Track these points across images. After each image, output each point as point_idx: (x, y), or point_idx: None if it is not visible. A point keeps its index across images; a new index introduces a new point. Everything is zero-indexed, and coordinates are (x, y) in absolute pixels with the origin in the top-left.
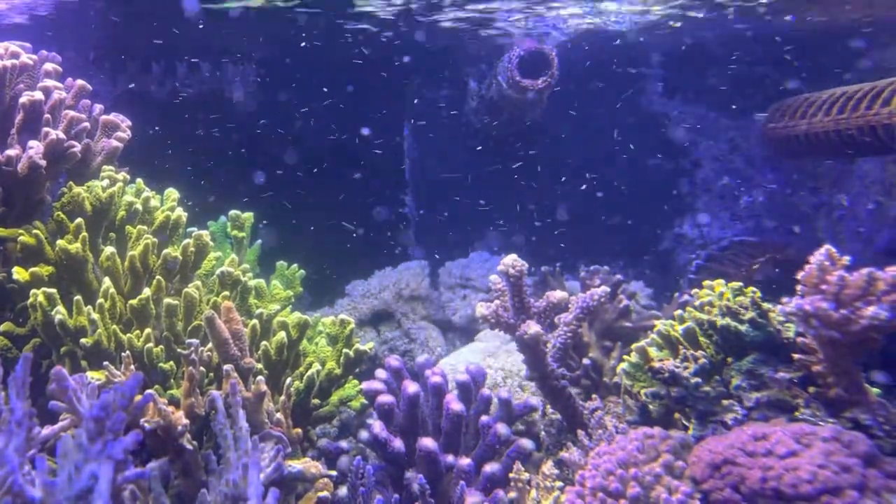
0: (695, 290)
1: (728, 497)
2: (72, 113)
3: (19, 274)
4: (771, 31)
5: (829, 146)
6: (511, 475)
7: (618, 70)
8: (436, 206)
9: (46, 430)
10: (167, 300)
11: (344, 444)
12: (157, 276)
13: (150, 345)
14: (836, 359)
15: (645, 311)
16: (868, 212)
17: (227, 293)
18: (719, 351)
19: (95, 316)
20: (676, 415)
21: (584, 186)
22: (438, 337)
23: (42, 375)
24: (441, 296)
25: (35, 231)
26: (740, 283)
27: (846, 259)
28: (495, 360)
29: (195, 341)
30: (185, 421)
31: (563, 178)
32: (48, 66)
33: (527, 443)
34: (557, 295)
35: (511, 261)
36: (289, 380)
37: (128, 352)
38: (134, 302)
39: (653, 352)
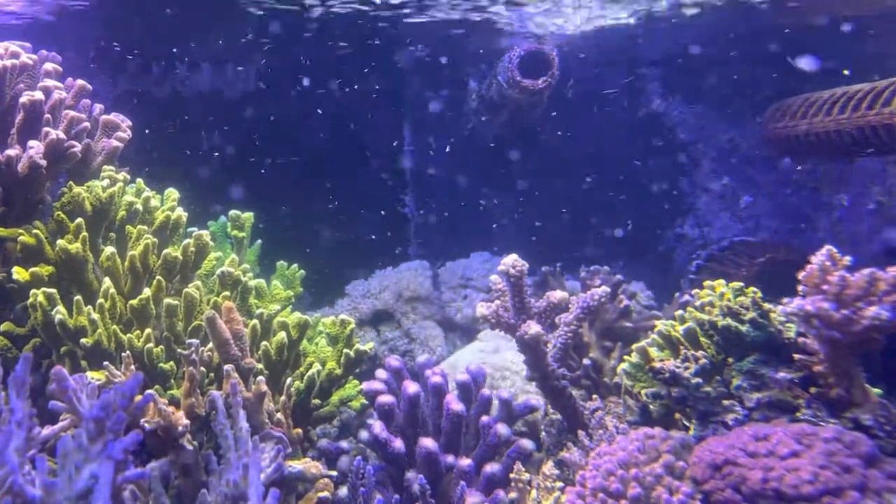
0: (695, 291)
1: (729, 497)
2: (72, 113)
3: (19, 274)
4: (772, 29)
5: (829, 146)
6: (511, 475)
7: (618, 70)
8: (436, 206)
9: (46, 430)
10: (167, 300)
11: (344, 444)
12: (158, 276)
13: (151, 345)
14: (837, 359)
15: (645, 311)
16: (868, 212)
17: (227, 293)
18: (720, 351)
19: (95, 316)
20: (677, 415)
21: (584, 187)
22: (439, 337)
23: (42, 375)
24: (442, 296)
25: (35, 231)
26: (741, 284)
27: (847, 259)
28: (497, 359)
29: (195, 341)
30: (186, 421)
31: (563, 179)
32: (48, 65)
33: (527, 443)
34: (558, 295)
35: (511, 261)
36: (289, 380)
37: (128, 352)
38: (134, 302)
39: (653, 352)
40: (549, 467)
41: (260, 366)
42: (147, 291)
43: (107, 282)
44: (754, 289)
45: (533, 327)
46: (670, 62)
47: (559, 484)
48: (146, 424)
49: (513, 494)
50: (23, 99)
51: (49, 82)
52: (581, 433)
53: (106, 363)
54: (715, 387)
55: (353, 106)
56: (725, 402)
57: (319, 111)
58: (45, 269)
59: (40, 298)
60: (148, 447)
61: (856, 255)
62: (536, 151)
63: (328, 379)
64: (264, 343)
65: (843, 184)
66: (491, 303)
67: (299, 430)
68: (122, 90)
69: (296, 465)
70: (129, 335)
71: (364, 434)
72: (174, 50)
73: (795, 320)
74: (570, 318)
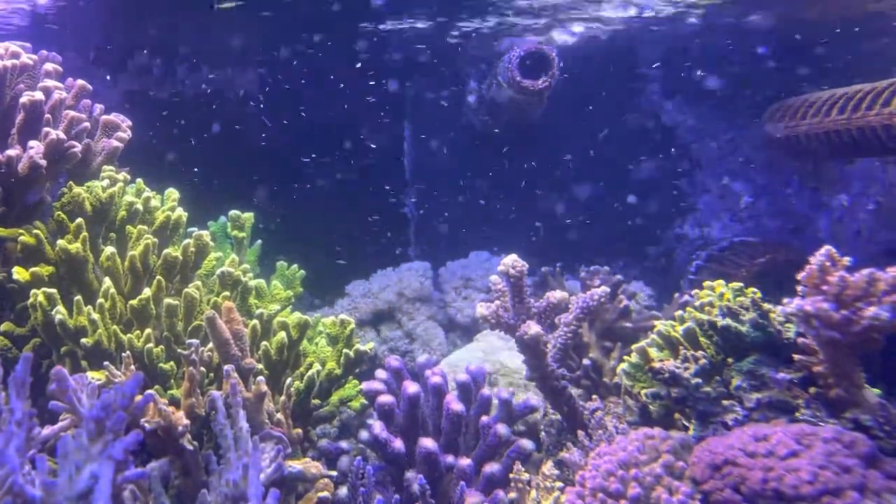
0: (695, 291)
1: (728, 498)
2: (72, 113)
3: (19, 274)
4: (774, 29)
5: (829, 147)
6: (511, 475)
7: (618, 69)
8: (436, 206)
9: (47, 430)
10: (167, 300)
11: (344, 444)
12: (158, 277)
13: (151, 345)
14: (836, 359)
15: (645, 311)
16: (868, 212)
17: (227, 293)
18: (720, 351)
19: (96, 316)
20: (677, 415)
21: (583, 187)
22: (439, 337)
23: (42, 375)
24: (442, 296)
25: (35, 231)
26: (741, 284)
27: (847, 259)
28: (496, 359)
29: (195, 341)
30: (186, 421)
31: (563, 179)
32: (48, 66)
33: (527, 443)
34: (557, 295)
35: (511, 261)
36: (289, 380)
37: (128, 352)
38: (134, 302)
39: (653, 352)
40: (548, 467)
41: (260, 366)
42: (147, 291)
43: (107, 282)
44: (754, 289)
45: (533, 327)
46: (671, 62)
47: (559, 484)
48: (146, 424)
49: (512, 494)
50: (23, 99)
51: (49, 82)
52: (581, 433)
53: (106, 363)
54: (714, 387)
55: (354, 105)
56: (725, 403)
57: (319, 111)
58: (45, 269)
59: (40, 298)
60: (148, 447)
61: (856, 256)
62: (536, 151)
63: (328, 379)
64: (264, 343)
65: (843, 184)
66: (491, 303)
67: (299, 430)
68: (123, 90)
69: (296, 465)
70: (129, 335)
71: (364, 434)
72: (175, 50)
73: (795, 320)
74: (569, 319)
